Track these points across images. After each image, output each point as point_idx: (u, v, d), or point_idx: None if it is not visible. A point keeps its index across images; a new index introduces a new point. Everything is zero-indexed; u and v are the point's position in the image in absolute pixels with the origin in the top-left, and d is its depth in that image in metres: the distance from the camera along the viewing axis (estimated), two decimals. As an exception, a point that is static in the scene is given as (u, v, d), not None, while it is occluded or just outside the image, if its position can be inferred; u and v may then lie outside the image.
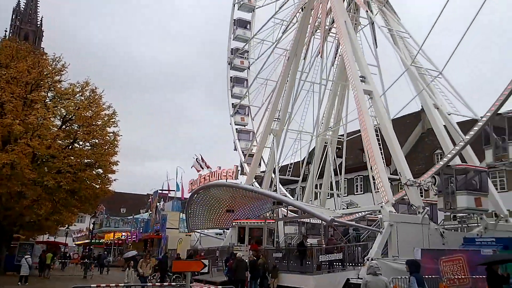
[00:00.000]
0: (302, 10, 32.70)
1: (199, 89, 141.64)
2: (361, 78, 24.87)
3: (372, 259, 17.11)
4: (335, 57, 34.75)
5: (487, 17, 22.53)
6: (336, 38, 33.65)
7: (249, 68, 43.69)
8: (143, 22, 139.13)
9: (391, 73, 27.57)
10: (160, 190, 44.41)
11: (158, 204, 42.02)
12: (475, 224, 22.13)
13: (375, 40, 31.48)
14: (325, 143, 34.13)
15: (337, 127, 33.81)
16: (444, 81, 24.59)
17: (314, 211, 20.10)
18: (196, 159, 30.54)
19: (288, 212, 26.94)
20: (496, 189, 27.48)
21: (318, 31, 33.01)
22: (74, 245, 65.79)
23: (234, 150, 40.94)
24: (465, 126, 23.34)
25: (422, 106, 27.72)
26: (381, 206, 19.84)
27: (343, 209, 27.07)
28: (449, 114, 23.96)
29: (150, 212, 45.46)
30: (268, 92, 37.62)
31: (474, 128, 19.61)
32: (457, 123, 24.34)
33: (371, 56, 30.54)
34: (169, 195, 45.31)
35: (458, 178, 19.39)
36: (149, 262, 20.40)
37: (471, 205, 18.74)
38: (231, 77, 43.59)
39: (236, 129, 42.24)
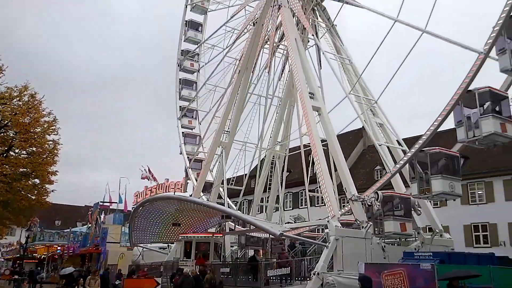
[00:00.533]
0: (253, 25, 33.12)
1: (142, 95, 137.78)
2: (310, 95, 25.61)
3: (318, 274, 17.54)
4: (281, 73, 35.63)
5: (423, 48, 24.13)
6: (285, 54, 34.56)
7: (199, 71, 43.51)
8: (83, 23, 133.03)
9: (336, 92, 28.66)
10: (101, 202, 42.51)
11: (98, 216, 40.18)
12: (413, 238, 23.30)
13: (320, 61, 32.68)
14: (273, 157, 34.61)
15: (285, 142, 34.43)
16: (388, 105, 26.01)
17: (263, 226, 20.20)
18: (143, 170, 29.72)
19: (236, 226, 26.86)
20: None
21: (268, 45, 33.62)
22: (3, 260, 61.12)
23: (180, 154, 40.57)
24: (410, 142, 24.72)
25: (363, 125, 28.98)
26: (328, 221, 20.37)
27: (291, 223, 27.48)
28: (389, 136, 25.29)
29: (89, 225, 43.33)
30: (217, 98, 37.77)
31: (400, 162, 20.87)
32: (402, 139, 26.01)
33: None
34: (110, 207, 43.52)
35: (386, 205, 20.46)
36: (97, 280, 19.35)
37: (397, 230, 19.79)
38: (180, 79, 43.13)
39: (183, 132, 41.82)
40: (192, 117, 43.04)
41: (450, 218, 32.45)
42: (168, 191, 25.34)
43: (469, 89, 18.21)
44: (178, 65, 43.43)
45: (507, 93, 18.87)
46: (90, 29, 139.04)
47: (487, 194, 35.96)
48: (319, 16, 30.62)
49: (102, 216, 40.63)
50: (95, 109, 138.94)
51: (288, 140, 34.03)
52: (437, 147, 19.46)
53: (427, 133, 20.09)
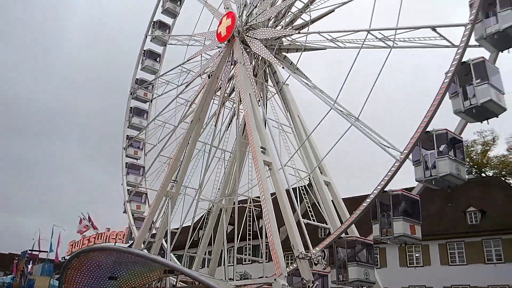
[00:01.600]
0: (209, 77, 33.62)
1: (86, 140, 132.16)
2: (262, 149, 25.94)
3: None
4: (229, 125, 35.91)
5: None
6: (239, 108, 35.06)
7: (151, 101, 43.32)
8: (20, 56, 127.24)
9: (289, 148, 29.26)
10: (29, 250, 39.14)
11: (25, 266, 36.78)
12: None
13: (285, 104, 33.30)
14: (220, 209, 33.99)
15: (232, 196, 34.09)
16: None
17: (208, 282, 19.36)
18: (82, 218, 27.83)
19: (179, 281, 25.55)
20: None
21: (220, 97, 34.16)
22: None
23: (124, 212, 38.53)
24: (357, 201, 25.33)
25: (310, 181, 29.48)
26: (275, 279, 19.97)
27: (237, 280, 26.57)
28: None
29: (14, 276, 39.45)
30: (165, 134, 37.49)
31: (363, 204, 21.38)
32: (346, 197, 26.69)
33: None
34: (39, 256, 40.09)
35: (349, 251, 20.61)
36: None
37: (361, 277, 19.84)
38: (131, 107, 42.77)
39: (127, 163, 40.91)
40: (139, 147, 42.34)
41: (389, 279, 32.96)
42: (109, 241, 23.85)
43: (427, 130, 19.26)
44: (131, 93, 43.16)
45: (461, 137, 20.25)
46: (30, 65, 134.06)
47: (423, 257, 37.20)
48: (270, 78, 31.71)
49: (29, 266, 37.30)
50: (30, 151, 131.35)
51: (236, 194, 33.74)
52: (399, 189, 20.05)
53: (388, 173, 20.35)
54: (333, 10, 28.63)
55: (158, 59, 44.17)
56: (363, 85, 24.05)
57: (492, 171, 53.26)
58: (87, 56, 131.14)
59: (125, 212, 37.38)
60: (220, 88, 33.73)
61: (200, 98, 33.42)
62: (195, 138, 33.47)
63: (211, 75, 33.18)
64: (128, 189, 40.29)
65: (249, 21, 32.09)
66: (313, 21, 29.14)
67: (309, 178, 27.53)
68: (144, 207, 39.68)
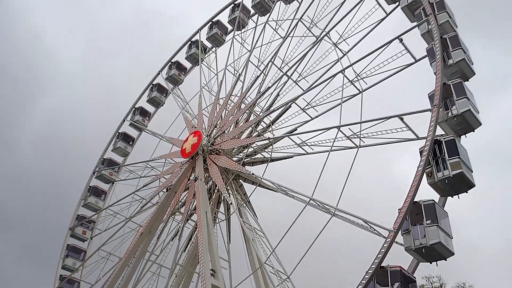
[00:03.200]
0: (166, 190, 33.15)
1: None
2: (211, 272, 24.67)
3: None
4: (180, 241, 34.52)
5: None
6: (193, 225, 34.06)
7: (91, 239, 41.42)
8: None
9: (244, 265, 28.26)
10: None
11: None
12: None
13: (229, 235, 32.78)
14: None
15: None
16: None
17: None
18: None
19: None
20: None
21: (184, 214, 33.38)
22: None
23: None
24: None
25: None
26: None
27: None
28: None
29: None
30: (108, 267, 34.95)
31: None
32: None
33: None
34: None
35: None
36: None
37: None
38: (68, 245, 40.24)
39: (68, 244, 38.89)
40: (88, 228, 40.79)
41: None
42: None
43: (382, 265, 19.07)
44: (70, 229, 41.20)
45: (415, 277, 20.10)
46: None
47: None
48: (236, 190, 31.88)
49: None
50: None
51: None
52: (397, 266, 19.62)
53: (381, 250, 19.78)
54: (291, 157, 30.44)
55: (131, 143, 44.54)
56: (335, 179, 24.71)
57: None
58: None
59: None
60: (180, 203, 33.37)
61: (155, 212, 32.40)
62: (142, 252, 31.50)
63: (169, 188, 32.81)
64: (60, 275, 37.32)
65: (214, 140, 33.24)
66: (272, 160, 30.71)
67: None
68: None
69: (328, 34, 30.93)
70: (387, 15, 29.40)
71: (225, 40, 43.68)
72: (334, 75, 28.31)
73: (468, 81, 24.68)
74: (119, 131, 45.13)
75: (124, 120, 45.79)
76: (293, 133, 29.42)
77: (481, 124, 22.95)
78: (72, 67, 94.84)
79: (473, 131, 22.97)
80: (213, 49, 44.20)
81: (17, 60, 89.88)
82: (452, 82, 23.29)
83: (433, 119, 21.75)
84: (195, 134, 33.20)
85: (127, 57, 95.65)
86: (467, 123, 22.65)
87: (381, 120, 24.07)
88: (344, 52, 30.19)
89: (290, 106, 30.77)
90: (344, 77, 27.59)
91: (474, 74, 24.96)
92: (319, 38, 31.76)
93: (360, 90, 28.09)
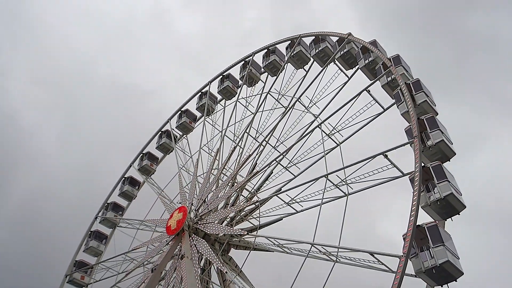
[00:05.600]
0: (152, 271, 31.21)
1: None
2: None
3: None
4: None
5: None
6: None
7: (86, 287, 39.97)
8: None
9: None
10: None
11: None
12: None
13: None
14: None
15: None
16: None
17: None
18: None
19: None
20: None
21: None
22: None
23: None
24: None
25: None
26: None
27: None
28: None
29: None
30: None
31: None
32: None
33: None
34: None
35: None
36: None
37: None
38: None
39: None
40: None
41: None
42: None
43: None
44: (66, 276, 40.11)
45: None
46: None
47: None
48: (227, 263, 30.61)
49: None
50: None
51: None
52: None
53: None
54: (281, 219, 30.68)
55: (104, 241, 42.42)
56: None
57: None
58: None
59: None
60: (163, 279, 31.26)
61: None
62: None
63: (155, 268, 30.92)
64: None
65: (200, 216, 32.60)
66: (261, 226, 30.49)
67: None
68: None
69: (299, 99, 33.27)
70: (350, 77, 32.47)
71: (194, 128, 45.44)
72: (313, 130, 29.91)
73: (449, 161, 24.63)
74: (91, 230, 43.25)
75: (95, 218, 44.16)
76: (280, 191, 29.63)
77: (465, 207, 22.36)
78: (49, 147, 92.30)
79: (459, 214, 22.50)
80: (184, 137, 45.40)
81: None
82: (431, 164, 22.96)
83: (416, 149, 22.82)
84: (180, 210, 32.55)
85: (103, 134, 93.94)
86: (451, 206, 22.14)
87: (367, 161, 25.15)
88: (315, 116, 32.35)
89: (274, 167, 31.43)
90: (322, 131, 29.20)
91: (455, 154, 24.76)
92: (292, 104, 33.92)
93: (338, 142, 29.66)
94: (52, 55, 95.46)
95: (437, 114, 26.76)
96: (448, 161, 24.60)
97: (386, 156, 24.48)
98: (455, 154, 24.76)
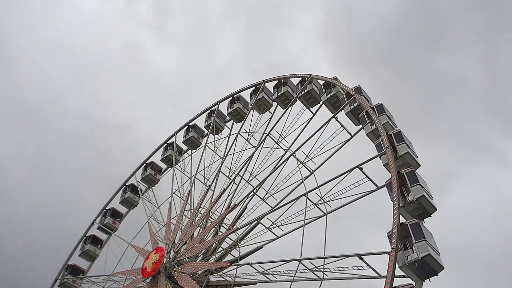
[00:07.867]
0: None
1: None
2: None
3: None
4: None
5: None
6: None
7: None
8: None
9: None
10: None
11: None
12: None
13: None
14: None
15: None
16: None
17: None
18: None
19: None
20: None
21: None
22: None
23: None
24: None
25: None
26: None
27: None
28: None
29: None
30: None
31: None
32: None
33: None
34: None
35: None
36: None
37: None
38: None
39: None
40: None
41: None
42: None
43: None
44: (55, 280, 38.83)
45: None
46: None
47: None
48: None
49: None
50: None
51: None
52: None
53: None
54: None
55: (99, 246, 41.80)
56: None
57: None
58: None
59: None
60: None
61: None
62: None
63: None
64: None
65: (178, 256, 31.63)
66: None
67: None
68: None
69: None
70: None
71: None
72: (298, 197, 28.75)
73: (431, 216, 24.06)
74: (68, 263, 41.36)
75: (73, 251, 42.31)
76: (256, 262, 28.23)
77: (443, 268, 21.52)
78: (18, 183, 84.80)
79: (437, 275, 21.48)
80: (189, 152, 44.46)
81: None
82: (409, 222, 22.29)
83: (391, 260, 20.98)
84: (156, 251, 31.49)
85: (75, 166, 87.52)
86: (429, 267, 21.07)
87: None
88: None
89: (255, 226, 31.13)
90: (307, 200, 28.34)
91: (436, 209, 24.12)
92: (286, 159, 33.42)
93: (325, 212, 28.29)
94: (24, 89, 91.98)
95: (419, 166, 26.59)
96: (429, 217, 24.09)
97: (361, 259, 23.16)
98: (436, 209, 24.17)
